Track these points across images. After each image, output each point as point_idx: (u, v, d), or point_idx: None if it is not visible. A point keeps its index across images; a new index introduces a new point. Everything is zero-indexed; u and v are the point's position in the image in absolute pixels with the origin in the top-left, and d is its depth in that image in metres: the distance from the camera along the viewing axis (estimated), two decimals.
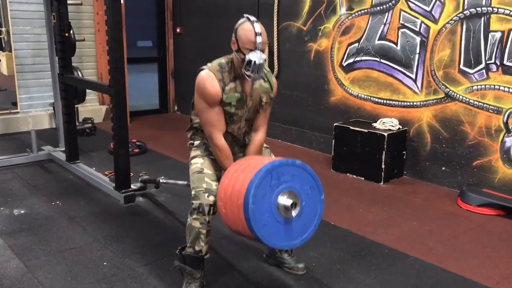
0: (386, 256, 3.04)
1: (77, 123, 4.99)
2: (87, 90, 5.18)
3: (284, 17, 5.54)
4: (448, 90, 4.22)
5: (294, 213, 2.17)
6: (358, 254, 3.07)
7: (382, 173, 4.40)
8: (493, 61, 3.91)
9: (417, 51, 4.40)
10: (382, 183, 4.42)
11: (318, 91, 5.33)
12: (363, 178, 4.55)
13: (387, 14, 4.58)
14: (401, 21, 4.48)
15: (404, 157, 4.59)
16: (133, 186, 3.93)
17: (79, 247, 3.08)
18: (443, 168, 4.35)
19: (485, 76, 3.98)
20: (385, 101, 4.72)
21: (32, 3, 5.94)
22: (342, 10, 4.96)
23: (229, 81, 2.42)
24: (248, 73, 2.32)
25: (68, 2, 4.43)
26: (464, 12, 4.03)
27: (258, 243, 2.29)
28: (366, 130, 4.48)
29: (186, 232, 2.49)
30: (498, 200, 3.71)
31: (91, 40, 6.51)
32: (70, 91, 4.57)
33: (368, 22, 4.75)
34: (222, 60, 2.46)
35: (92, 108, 6.71)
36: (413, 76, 4.46)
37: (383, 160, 4.37)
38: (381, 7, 4.61)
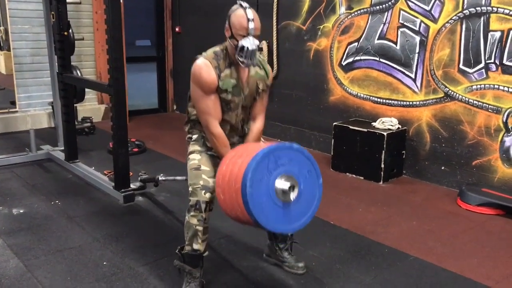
0: (386, 256, 3.04)
1: (76, 123, 4.99)
2: (86, 89, 5.17)
3: (284, 16, 5.54)
4: (448, 89, 4.22)
5: (292, 196, 2.16)
6: (358, 253, 3.07)
7: (382, 173, 4.40)
8: (492, 60, 3.92)
9: (417, 50, 4.40)
10: (381, 183, 4.42)
11: (317, 90, 5.32)
12: (362, 178, 4.55)
13: (386, 13, 4.57)
14: (400, 21, 4.48)
15: (404, 156, 4.59)
16: (132, 186, 3.93)
17: (78, 246, 3.07)
18: (443, 168, 4.35)
19: (485, 76, 3.98)
20: (384, 101, 4.72)
21: (30, 2, 5.93)
22: (342, 10, 4.96)
23: (225, 67, 2.43)
24: (241, 59, 2.34)
25: (67, 1, 4.43)
26: (464, 12, 4.03)
27: (257, 229, 2.27)
28: (365, 130, 4.48)
29: (184, 230, 2.50)
30: (498, 200, 3.72)
31: (90, 39, 6.50)
32: (69, 90, 4.56)
33: (367, 22, 4.75)
34: (217, 48, 2.48)
35: (91, 107, 6.69)
36: (413, 76, 4.46)
37: (382, 159, 4.37)
38: (381, 7, 4.61)
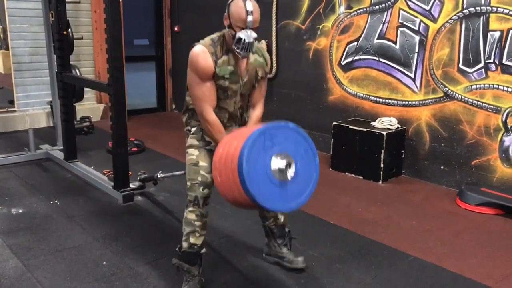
0: (386, 256, 3.04)
1: (75, 122, 4.97)
2: (85, 89, 5.15)
3: (283, 15, 5.53)
4: (447, 89, 4.22)
5: (289, 174, 2.16)
6: (358, 253, 3.07)
7: (381, 172, 4.41)
8: (492, 60, 3.92)
9: (416, 50, 4.40)
10: (380, 182, 4.42)
11: (316, 90, 5.32)
12: (361, 177, 4.55)
13: (386, 13, 4.57)
14: (400, 20, 4.48)
15: (403, 156, 4.60)
16: (131, 185, 3.92)
17: (78, 246, 3.06)
18: (442, 167, 4.35)
19: (484, 75, 3.98)
20: (384, 100, 4.72)
21: (29, 1, 5.92)
22: (341, 9, 4.96)
23: (222, 54, 2.42)
24: (238, 50, 2.34)
25: (66, 0, 4.41)
26: (463, 11, 4.03)
27: (255, 209, 2.27)
28: (365, 129, 4.48)
29: (183, 226, 2.50)
30: (497, 199, 3.72)
31: (89, 38, 6.48)
32: (68, 89, 4.55)
33: (367, 21, 4.75)
34: (214, 35, 2.47)
35: (90, 106, 6.68)
36: (412, 75, 4.46)
37: (381, 159, 4.37)
38: (380, 6, 4.61)
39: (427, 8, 4.27)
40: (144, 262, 2.87)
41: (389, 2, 4.53)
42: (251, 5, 2.29)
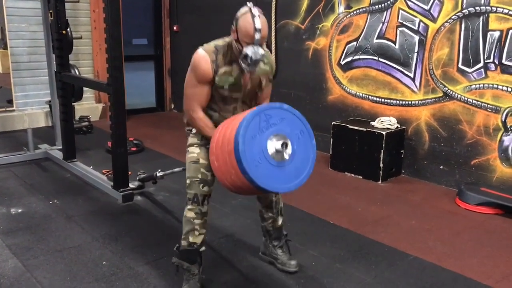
0: (386, 255, 3.04)
1: (73, 122, 4.96)
2: (84, 88, 5.14)
3: (282, 15, 5.52)
4: (447, 89, 4.23)
5: (286, 154, 2.17)
6: (358, 253, 3.07)
7: (380, 172, 4.41)
8: (491, 60, 3.92)
9: (416, 49, 4.40)
10: (380, 182, 4.42)
11: (316, 89, 5.32)
12: (361, 177, 4.55)
13: (385, 12, 4.57)
14: (399, 20, 4.48)
15: (402, 156, 4.60)
16: (131, 185, 3.91)
17: (77, 246, 3.06)
18: (441, 167, 4.36)
19: (484, 75, 3.98)
20: (383, 100, 4.72)
21: (28, 0, 5.89)
22: (341, 9, 4.96)
23: (224, 64, 2.41)
24: (244, 65, 2.33)
25: None
26: (463, 11, 4.04)
27: (253, 192, 2.27)
28: (364, 129, 4.48)
29: (182, 224, 2.50)
30: (496, 199, 3.72)
31: (88, 37, 6.48)
32: (67, 89, 4.54)
33: (366, 21, 4.75)
34: (219, 42, 2.46)
35: (89, 106, 6.67)
36: (412, 75, 4.46)
37: (381, 159, 4.38)
38: (380, 6, 4.61)
39: (427, 8, 4.27)
40: (144, 262, 2.86)
41: (388, 2, 4.53)
42: (259, 22, 2.24)
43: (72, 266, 2.80)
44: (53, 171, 4.58)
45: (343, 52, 5.00)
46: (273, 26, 5.56)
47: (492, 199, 3.73)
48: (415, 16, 4.36)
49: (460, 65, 4.12)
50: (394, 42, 4.55)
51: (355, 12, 4.83)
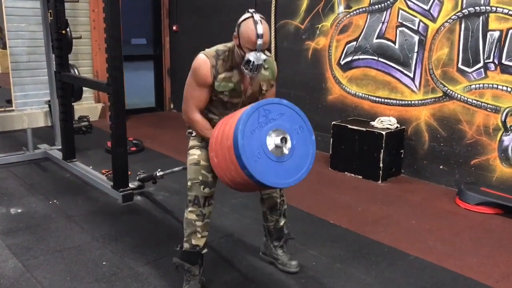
0: (386, 255, 3.04)
1: (73, 121, 4.96)
2: (83, 88, 5.14)
3: (282, 15, 5.52)
4: (446, 89, 4.23)
5: (285, 149, 2.16)
6: (358, 253, 3.07)
7: (380, 172, 4.41)
8: (491, 60, 3.92)
9: (415, 49, 4.40)
10: (380, 182, 4.42)
11: (315, 89, 5.32)
12: (361, 177, 4.55)
13: (385, 12, 4.57)
14: (399, 20, 4.48)
15: (402, 155, 4.60)
16: (131, 185, 3.91)
17: (77, 246, 3.05)
18: (441, 167, 4.36)
19: (484, 75, 3.98)
20: (383, 100, 4.72)
21: (27, 0, 5.89)
22: (340, 9, 4.96)
23: (224, 70, 2.41)
24: (246, 71, 2.34)
25: None
26: (463, 11, 4.04)
27: (253, 189, 2.27)
28: (364, 129, 4.48)
29: (183, 226, 2.50)
30: (496, 199, 3.72)
31: (87, 37, 6.47)
32: (67, 89, 4.53)
33: (366, 21, 4.75)
34: (221, 47, 2.46)
35: (88, 106, 6.67)
36: (411, 75, 4.46)
37: (381, 158, 4.38)
38: (379, 6, 4.61)
39: (427, 8, 4.27)
40: (144, 262, 2.86)
41: (388, 2, 4.53)
42: (261, 28, 2.26)
43: (72, 266, 2.80)
44: (53, 171, 4.58)
45: (342, 52, 5.00)
46: (272, 26, 5.56)
47: (492, 199, 3.73)
48: (415, 16, 4.36)
49: (460, 65, 4.12)
50: (394, 42, 4.55)
51: (354, 12, 4.83)
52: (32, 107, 6.24)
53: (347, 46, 4.96)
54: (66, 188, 4.10)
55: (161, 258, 2.90)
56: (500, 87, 3.89)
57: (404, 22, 4.45)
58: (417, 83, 4.43)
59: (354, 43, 4.88)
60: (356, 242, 3.22)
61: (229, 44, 2.45)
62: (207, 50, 2.46)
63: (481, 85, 4.01)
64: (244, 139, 2.07)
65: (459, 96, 4.15)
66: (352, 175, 4.62)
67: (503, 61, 3.85)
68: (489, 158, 4.03)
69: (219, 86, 2.42)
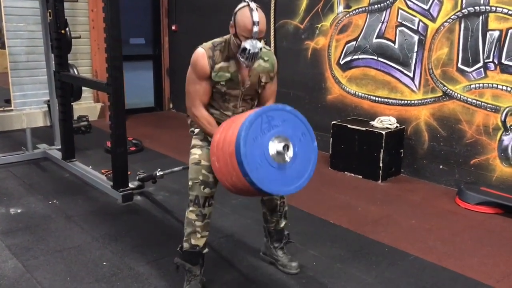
0: (386, 255, 3.04)
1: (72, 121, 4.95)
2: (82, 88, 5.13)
3: (281, 15, 5.52)
4: (446, 88, 4.23)
5: (287, 157, 2.15)
6: (358, 253, 3.07)
7: (380, 172, 4.41)
8: (491, 59, 3.92)
9: (415, 49, 4.40)
10: (380, 182, 4.42)
11: (315, 89, 5.32)
12: (360, 177, 4.55)
13: (385, 12, 4.57)
14: (399, 20, 4.48)
15: (402, 155, 4.60)
16: (130, 185, 3.90)
17: (77, 246, 3.05)
18: (441, 167, 4.36)
19: (483, 75, 3.98)
20: (382, 100, 4.72)
21: None
22: (340, 8, 4.95)
23: (221, 60, 2.43)
24: (242, 59, 2.35)
25: None
26: (462, 11, 4.04)
27: (254, 195, 2.26)
28: (364, 129, 4.48)
29: (184, 225, 2.49)
30: (496, 199, 3.73)
31: (86, 37, 6.46)
32: (66, 88, 4.52)
33: (365, 20, 4.74)
34: (217, 39, 2.49)
35: (87, 106, 6.66)
36: (411, 75, 4.46)
37: (381, 158, 4.38)
38: (379, 5, 4.60)
39: (426, 7, 4.27)
40: (144, 262, 2.86)
41: (388, 2, 4.53)
42: (257, 16, 2.28)
43: (72, 267, 2.80)
44: (52, 171, 4.57)
45: (342, 51, 5.00)
46: (272, 25, 5.56)
47: (492, 198, 3.73)
48: (415, 16, 4.36)
49: (459, 65, 4.12)
50: (394, 42, 4.55)
51: (354, 12, 4.83)
52: (31, 107, 6.23)
53: (346, 46, 4.96)
54: (65, 188, 4.10)
55: (162, 258, 2.90)
56: (500, 86, 3.90)
57: (403, 22, 4.45)
58: (416, 82, 4.43)
59: (354, 42, 4.88)
60: (356, 242, 3.22)
61: (226, 36, 2.47)
62: (204, 43, 2.48)
63: (481, 85, 4.01)
64: (247, 146, 2.06)
65: (458, 95, 4.15)
66: (352, 174, 4.62)
67: (503, 60, 3.85)
68: (489, 157, 4.03)
69: (216, 76, 2.43)
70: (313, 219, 3.58)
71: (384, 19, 4.59)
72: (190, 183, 2.46)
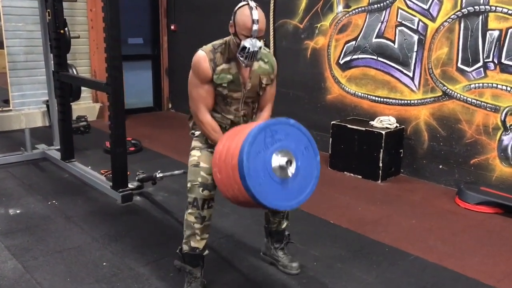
0: (387, 255, 3.04)
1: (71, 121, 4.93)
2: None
3: (280, 14, 5.51)
4: (446, 88, 4.23)
5: (290, 172, 2.14)
6: (358, 252, 3.06)
7: (380, 172, 4.40)
8: (491, 59, 3.92)
9: (415, 49, 4.40)
10: (379, 181, 4.42)
11: (314, 89, 5.31)
12: (360, 177, 4.55)
13: (384, 12, 4.57)
14: (398, 19, 4.47)
15: (402, 155, 4.60)
16: (130, 185, 3.89)
17: (77, 247, 3.04)
18: (440, 166, 4.36)
19: (483, 75, 3.98)
20: (382, 99, 4.72)
21: None
22: (339, 8, 4.95)
23: (222, 62, 2.42)
24: (242, 58, 2.34)
25: None
26: (462, 11, 4.04)
27: (255, 208, 2.25)
28: (363, 128, 4.48)
29: (183, 227, 2.48)
30: (496, 198, 3.73)
31: (85, 37, 6.44)
32: (65, 88, 4.51)
33: (365, 20, 4.74)
34: (217, 41, 2.47)
35: (86, 106, 6.64)
36: (411, 74, 4.46)
37: (380, 158, 4.37)
38: (379, 5, 4.60)
39: (426, 7, 4.27)
40: (144, 263, 2.85)
41: (387, 1, 4.52)
42: (257, 14, 2.28)
43: (72, 267, 2.79)
44: (51, 171, 4.56)
45: (341, 51, 5.00)
46: (271, 25, 5.55)
47: (491, 198, 3.74)
48: (414, 16, 4.35)
49: (459, 65, 4.12)
50: (393, 42, 4.55)
51: (354, 12, 4.83)
52: (30, 107, 6.21)
53: (346, 46, 4.95)
54: (65, 189, 4.08)
55: (162, 258, 2.89)
56: (499, 86, 3.90)
57: (403, 22, 4.45)
58: (416, 82, 4.43)
59: (353, 42, 4.88)
60: (356, 242, 3.22)
61: (226, 38, 2.46)
62: (204, 46, 2.47)
63: (481, 85, 4.01)
64: (250, 161, 2.04)
65: (458, 95, 4.15)
66: (352, 174, 4.61)
67: (503, 60, 3.85)
68: (488, 157, 4.03)
69: (218, 78, 2.41)
70: (313, 219, 3.57)
71: (383, 18, 4.58)
72: (188, 185, 2.44)
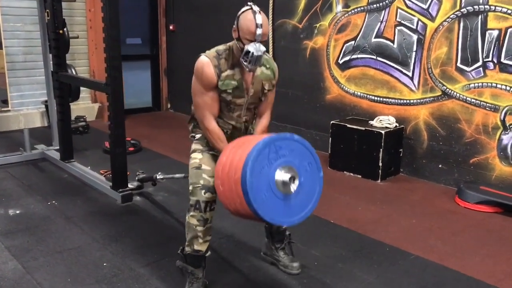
0: (388, 255, 3.04)
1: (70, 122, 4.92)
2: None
3: (279, 14, 5.51)
4: (445, 88, 4.23)
5: (292, 188, 2.14)
6: (359, 252, 3.06)
7: (379, 171, 4.41)
8: (490, 59, 3.93)
9: (414, 48, 4.40)
10: (379, 181, 4.42)
11: (314, 89, 5.31)
12: (360, 176, 4.55)
13: (383, 11, 4.57)
14: (398, 19, 4.48)
15: (401, 154, 4.60)
16: (130, 185, 3.88)
17: (77, 247, 3.03)
18: (440, 166, 4.36)
19: (482, 74, 3.99)
20: (381, 99, 4.72)
21: None
22: (338, 8, 4.95)
23: (226, 68, 2.40)
24: (245, 63, 2.32)
25: None
26: (461, 10, 4.04)
27: (256, 222, 2.25)
28: (363, 128, 4.48)
29: (185, 229, 2.47)
30: (496, 198, 3.73)
31: (83, 37, 6.43)
32: (64, 89, 4.50)
33: (364, 20, 4.74)
34: (221, 47, 2.45)
35: (85, 106, 6.63)
36: (410, 74, 4.46)
37: (380, 158, 4.38)
38: (378, 5, 4.60)
39: (425, 7, 4.27)
40: (145, 263, 2.84)
41: (386, 1, 4.53)
42: (260, 18, 2.27)
43: (72, 268, 2.78)
44: (51, 171, 4.55)
45: (341, 51, 5.00)
46: (270, 25, 5.54)
47: (491, 197, 3.74)
48: (414, 15, 4.36)
49: (458, 64, 4.12)
50: (393, 41, 4.55)
51: (353, 11, 4.83)
52: (29, 107, 6.20)
53: (345, 45, 4.95)
54: (64, 189, 4.08)
55: (162, 259, 2.89)
56: (499, 86, 3.90)
57: (402, 21, 4.45)
58: (415, 82, 4.44)
59: (353, 42, 4.88)
60: (357, 241, 3.22)
61: (229, 43, 2.44)
62: (207, 52, 2.44)
63: (480, 84, 4.01)
64: (253, 176, 2.04)
65: (458, 95, 4.16)
66: (351, 174, 4.62)
67: (502, 60, 3.86)
68: (488, 157, 4.04)
69: (223, 84, 2.40)
70: (313, 219, 3.55)
71: (383, 18, 4.59)
72: (190, 187, 2.43)
